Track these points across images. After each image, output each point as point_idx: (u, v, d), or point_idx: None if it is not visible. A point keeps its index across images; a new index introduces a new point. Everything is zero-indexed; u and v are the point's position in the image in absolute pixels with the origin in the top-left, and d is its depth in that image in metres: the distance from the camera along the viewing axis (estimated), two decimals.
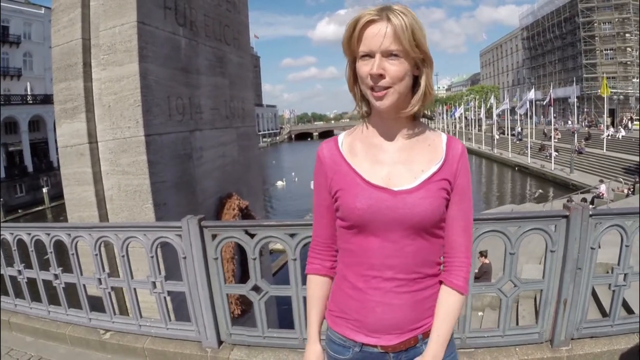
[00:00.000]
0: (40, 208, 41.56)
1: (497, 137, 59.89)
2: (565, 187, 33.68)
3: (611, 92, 66.11)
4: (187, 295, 3.62)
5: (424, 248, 1.63)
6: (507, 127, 59.00)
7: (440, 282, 1.69)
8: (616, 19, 68.94)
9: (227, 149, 5.77)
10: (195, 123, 5.05)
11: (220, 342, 3.71)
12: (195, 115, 5.04)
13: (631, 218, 3.30)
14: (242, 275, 5.00)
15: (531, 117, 56.24)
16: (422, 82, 1.62)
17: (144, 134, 4.25)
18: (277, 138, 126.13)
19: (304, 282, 3.31)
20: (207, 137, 5.26)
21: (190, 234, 3.43)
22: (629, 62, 68.52)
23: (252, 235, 3.35)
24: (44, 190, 42.42)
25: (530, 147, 48.51)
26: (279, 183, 48.97)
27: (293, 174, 49.73)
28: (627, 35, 68.31)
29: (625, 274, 3.35)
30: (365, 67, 1.55)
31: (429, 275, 1.66)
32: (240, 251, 3.56)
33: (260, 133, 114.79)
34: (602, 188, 25.29)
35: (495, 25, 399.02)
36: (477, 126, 74.42)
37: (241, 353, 3.59)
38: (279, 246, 3.25)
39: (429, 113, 1.76)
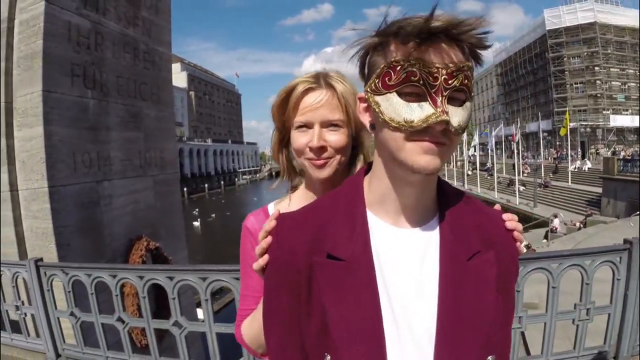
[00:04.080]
0: None
1: (469, 173, 60.79)
2: (529, 221, 33.75)
3: (581, 124, 67.68)
4: (36, 317, 4.33)
5: None
6: (477, 163, 59.96)
7: None
8: (585, 53, 70.61)
9: (141, 196, 6.37)
10: (104, 174, 5.69)
11: (57, 355, 4.42)
12: (103, 167, 5.69)
13: None
14: (157, 310, 5.54)
15: (505, 152, 57.33)
16: (363, 153, 1.60)
17: (47, 186, 4.93)
18: (258, 175, 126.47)
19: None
20: (116, 186, 5.89)
21: (31, 270, 4.16)
22: (598, 95, 69.98)
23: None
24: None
25: (499, 182, 49.23)
26: (195, 224, 45.18)
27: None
28: (596, 68, 70.03)
29: None
30: (302, 139, 1.48)
31: None
32: (158, 288, 4.08)
33: (241, 170, 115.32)
34: (556, 222, 25.94)
35: None
36: (454, 162, 75.40)
37: None
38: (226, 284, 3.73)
39: None
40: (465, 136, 69.29)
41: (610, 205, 31.33)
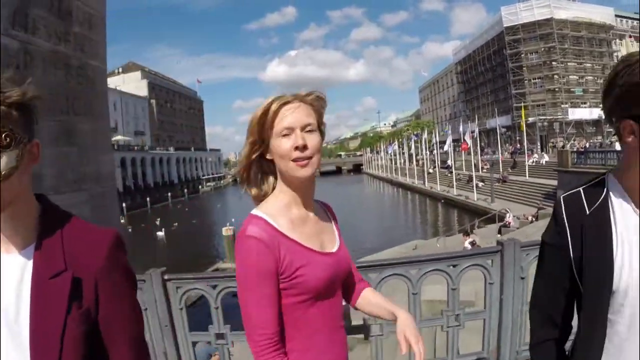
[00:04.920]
0: None
1: (430, 170, 61.35)
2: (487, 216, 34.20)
3: (539, 119, 68.89)
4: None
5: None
6: (437, 161, 60.60)
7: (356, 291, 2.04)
8: (542, 49, 72.40)
9: (76, 210, 6.26)
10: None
11: None
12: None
13: None
14: None
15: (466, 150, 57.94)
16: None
17: None
18: (222, 182, 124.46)
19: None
20: None
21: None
22: (556, 89, 71.43)
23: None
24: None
25: (459, 179, 50.00)
26: (159, 234, 43.76)
27: (233, 219, 46.29)
28: (553, 63, 71.63)
29: None
30: (287, 143, 1.67)
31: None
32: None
33: (204, 177, 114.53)
34: (509, 217, 26.43)
35: (441, 61, 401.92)
36: (415, 161, 76.04)
37: None
38: None
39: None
40: (425, 135, 70.05)
41: None
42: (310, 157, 1.69)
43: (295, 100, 1.72)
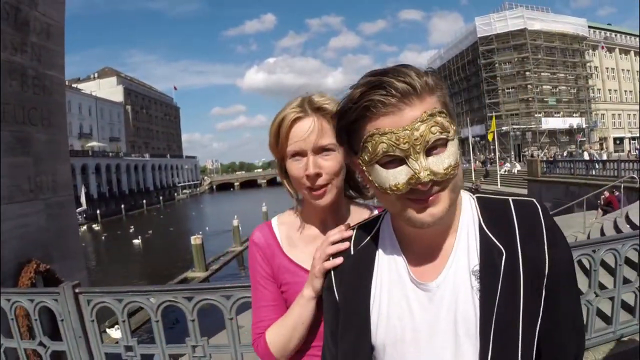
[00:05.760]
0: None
1: None
2: None
3: (513, 128, 69.56)
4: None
5: None
6: None
7: None
8: (515, 59, 72.57)
9: (31, 220, 6.41)
10: None
11: None
12: None
13: None
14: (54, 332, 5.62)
15: None
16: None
17: None
18: (198, 189, 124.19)
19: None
20: (1, 212, 5.99)
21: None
22: (530, 99, 71.99)
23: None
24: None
25: None
26: (135, 241, 41.63)
27: (207, 228, 45.51)
28: (527, 73, 71.92)
29: None
30: (298, 167, 1.51)
31: None
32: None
33: (180, 185, 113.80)
34: None
35: None
36: None
37: None
38: None
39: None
40: None
41: None
42: (325, 185, 1.52)
43: (307, 115, 1.52)
